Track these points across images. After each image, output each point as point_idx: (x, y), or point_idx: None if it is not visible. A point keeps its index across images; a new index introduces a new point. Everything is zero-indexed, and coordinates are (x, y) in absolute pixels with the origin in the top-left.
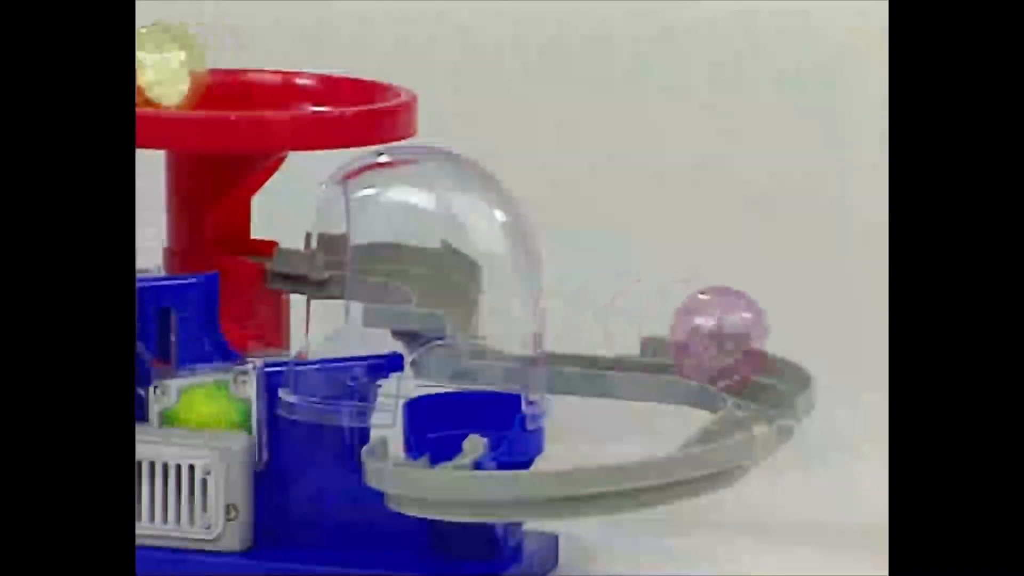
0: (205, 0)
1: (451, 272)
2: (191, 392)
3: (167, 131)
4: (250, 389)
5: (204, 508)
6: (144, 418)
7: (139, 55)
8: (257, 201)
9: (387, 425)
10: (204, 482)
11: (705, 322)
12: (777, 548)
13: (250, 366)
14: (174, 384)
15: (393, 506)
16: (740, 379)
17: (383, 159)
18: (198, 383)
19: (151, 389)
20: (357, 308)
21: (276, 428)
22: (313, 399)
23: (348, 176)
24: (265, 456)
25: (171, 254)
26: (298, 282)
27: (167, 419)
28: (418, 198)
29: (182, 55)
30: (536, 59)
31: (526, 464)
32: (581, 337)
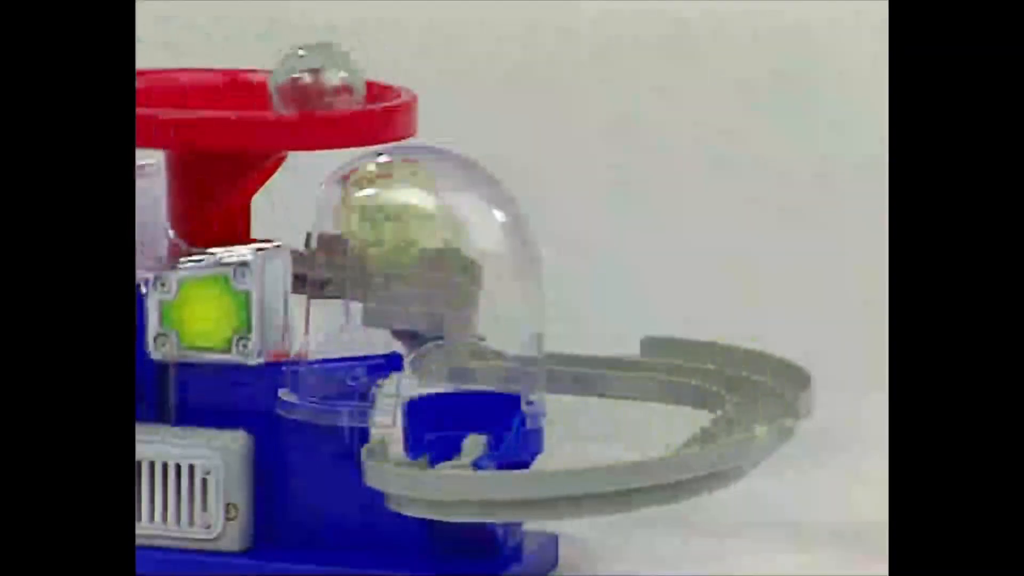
0: (206, 0)
1: (451, 272)
2: (191, 284)
3: (167, 131)
4: (250, 281)
5: (204, 508)
6: (143, 313)
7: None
8: (257, 201)
9: (387, 425)
10: (204, 482)
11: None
12: (777, 548)
13: (251, 258)
14: (174, 276)
15: (393, 506)
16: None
17: (383, 159)
18: (198, 275)
19: (151, 280)
20: (357, 308)
21: (276, 428)
22: (313, 399)
23: (348, 176)
24: (264, 351)
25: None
26: (298, 282)
27: (166, 312)
28: (418, 198)
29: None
30: (536, 59)
31: (526, 464)
32: (581, 337)
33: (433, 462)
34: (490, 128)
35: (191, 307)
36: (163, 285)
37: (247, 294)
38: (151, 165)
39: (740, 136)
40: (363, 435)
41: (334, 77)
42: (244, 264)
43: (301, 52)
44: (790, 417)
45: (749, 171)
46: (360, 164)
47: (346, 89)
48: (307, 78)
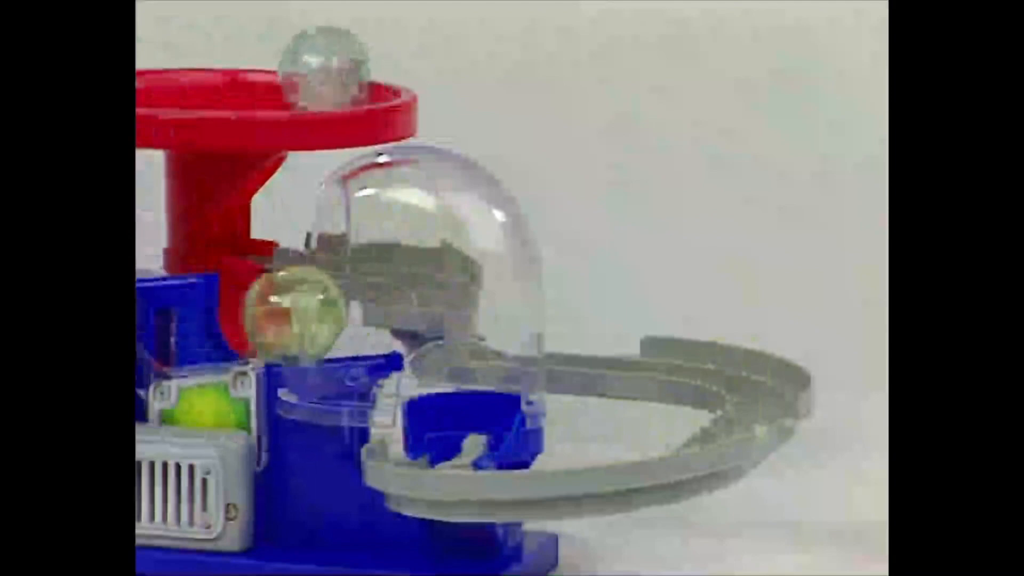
0: (206, 0)
1: (451, 272)
2: (191, 392)
3: (167, 131)
4: (250, 390)
5: (204, 508)
6: (144, 419)
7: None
8: (257, 201)
9: (387, 425)
10: (204, 482)
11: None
12: (777, 548)
13: (250, 367)
14: (174, 384)
15: (393, 506)
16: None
17: (383, 159)
18: (198, 383)
19: (151, 389)
20: (357, 308)
21: (276, 428)
22: (313, 399)
23: (348, 176)
24: (264, 458)
25: (171, 254)
26: None
27: (167, 419)
28: (418, 198)
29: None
30: (536, 59)
31: (526, 464)
32: (581, 337)
33: (433, 462)
34: (490, 128)
35: (191, 414)
36: (163, 393)
37: (247, 401)
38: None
39: (740, 136)
40: (363, 435)
41: (339, 61)
42: (243, 372)
43: (310, 32)
44: (790, 417)
45: (749, 171)
46: (360, 164)
47: (350, 73)
48: (314, 62)
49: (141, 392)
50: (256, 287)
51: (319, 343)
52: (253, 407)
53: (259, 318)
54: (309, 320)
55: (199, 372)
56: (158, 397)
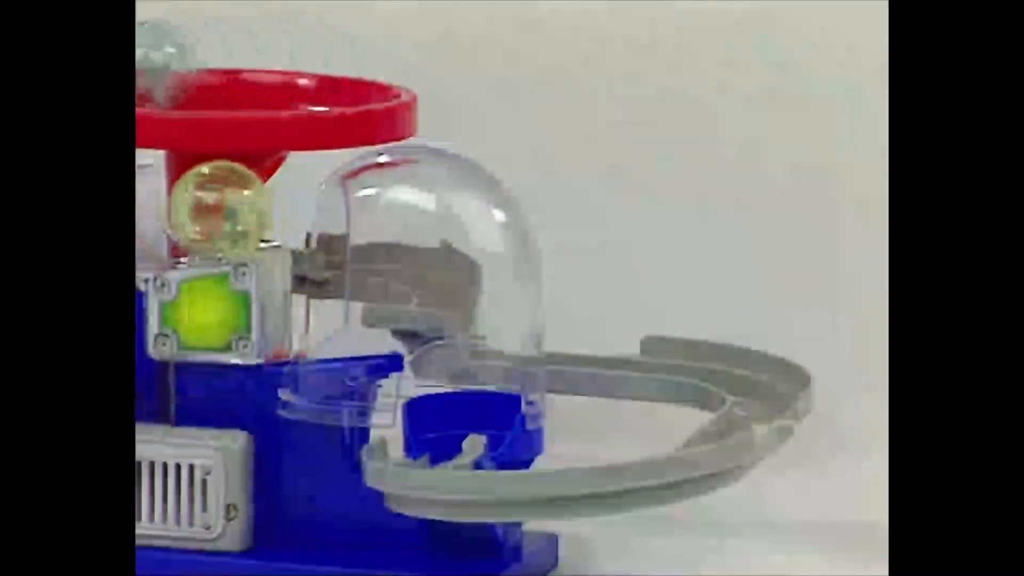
0: (206, 0)
1: (451, 272)
2: (191, 285)
3: (167, 131)
4: (250, 282)
5: (204, 508)
6: (143, 313)
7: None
8: None
9: (387, 425)
10: (204, 482)
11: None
12: (777, 548)
13: (250, 259)
14: (174, 276)
15: (393, 506)
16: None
17: (383, 159)
18: (198, 275)
19: (150, 280)
20: (357, 308)
21: (276, 428)
22: (313, 399)
23: (348, 176)
24: (263, 351)
25: (171, 254)
26: (298, 282)
27: (166, 312)
28: (418, 198)
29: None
30: (536, 59)
31: (526, 464)
32: (581, 337)
33: (433, 462)
34: (490, 128)
35: (191, 307)
36: (163, 285)
37: (247, 294)
38: (150, 165)
39: (740, 136)
40: (363, 435)
41: (156, 55)
42: (243, 264)
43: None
44: (790, 417)
45: (749, 171)
46: (360, 164)
47: (170, 69)
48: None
49: (141, 284)
50: (185, 180)
51: (248, 242)
52: (254, 299)
53: (188, 212)
54: (239, 215)
55: (199, 264)
56: (158, 289)
